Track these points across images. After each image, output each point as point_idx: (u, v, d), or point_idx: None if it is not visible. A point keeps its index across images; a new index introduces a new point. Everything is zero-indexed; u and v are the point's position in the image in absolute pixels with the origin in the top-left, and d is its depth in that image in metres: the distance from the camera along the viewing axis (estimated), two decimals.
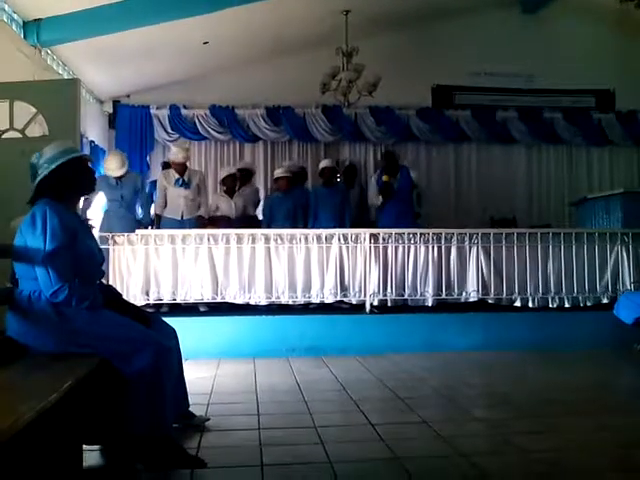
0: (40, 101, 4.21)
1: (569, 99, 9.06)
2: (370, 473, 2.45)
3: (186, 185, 6.32)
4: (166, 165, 7.14)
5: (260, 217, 7.23)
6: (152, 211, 6.61)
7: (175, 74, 8.12)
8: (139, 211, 6.41)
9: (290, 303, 5.62)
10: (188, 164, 6.58)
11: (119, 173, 6.19)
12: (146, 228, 6.27)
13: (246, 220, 6.85)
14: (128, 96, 8.50)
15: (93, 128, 7.92)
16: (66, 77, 6.84)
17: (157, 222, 6.43)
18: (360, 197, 7.43)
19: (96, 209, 6.50)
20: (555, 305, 5.79)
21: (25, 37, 5.91)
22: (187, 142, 8.32)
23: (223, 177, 7.08)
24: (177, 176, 6.34)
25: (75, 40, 6.31)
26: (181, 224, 6.21)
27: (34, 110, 4.21)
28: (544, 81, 8.88)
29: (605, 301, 5.81)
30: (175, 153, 6.41)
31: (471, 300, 5.73)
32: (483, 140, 8.98)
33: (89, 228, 2.84)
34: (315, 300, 5.65)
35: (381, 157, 7.48)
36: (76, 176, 2.67)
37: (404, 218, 6.57)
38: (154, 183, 7.30)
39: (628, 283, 5.84)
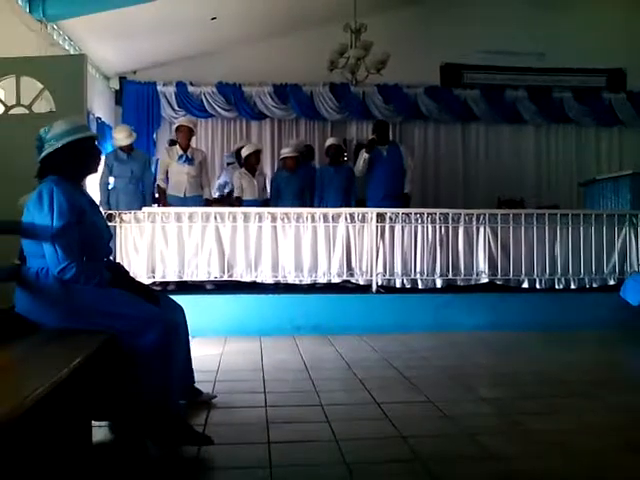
0: (47, 77, 4.18)
1: (579, 78, 8.95)
2: (376, 451, 2.47)
3: (189, 161, 6.32)
4: (172, 142, 7.11)
5: None
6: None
7: (182, 50, 8.05)
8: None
9: (297, 282, 5.62)
10: (192, 143, 6.56)
11: (127, 142, 6.31)
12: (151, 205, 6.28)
13: (266, 201, 6.74)
14: (134, 72, 8.45)
15: (99, 104, 7.88)
16: (72, 53, 6.79)
17: (162, 197, 6.44)
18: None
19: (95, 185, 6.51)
20: (561, 286, 5.78)
21: (30, 12, 5.86)
22: (194, 119, 8.27)
23: (247, 155, 6.64)
24: (180, 152, 6.33)
25: (81, 15, 6.25)
26: (183, 202, 6.21)
27: (41, 86, 4.18)
28: (554, 60, 8.76)
29: (612, 283, 5.78)
30: (181, 119, 6.64)
31: (482, 282, 5.71)
32: (491, 120, 8.90)
33: (96, 205, 2.82)
34: (322, 280, 5.65)
35: (373, 127, 7.29)
36: (81, 156, 2.64)
37: (393, 192, 6.54)
38: None
39: (636, 265, 5.81)
